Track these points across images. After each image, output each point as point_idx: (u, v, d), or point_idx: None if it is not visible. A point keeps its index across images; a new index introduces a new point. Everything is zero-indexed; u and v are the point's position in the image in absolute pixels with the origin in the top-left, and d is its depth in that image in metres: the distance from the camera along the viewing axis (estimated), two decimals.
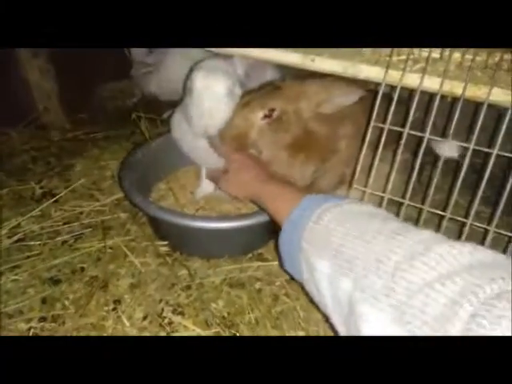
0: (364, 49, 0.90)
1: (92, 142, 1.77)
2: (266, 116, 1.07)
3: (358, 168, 0.89)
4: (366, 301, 0.55)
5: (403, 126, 0.84)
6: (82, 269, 1.16)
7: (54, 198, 1.41)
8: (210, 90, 1.07)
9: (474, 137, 0.77)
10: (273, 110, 1.07)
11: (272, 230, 1.27)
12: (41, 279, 1.12)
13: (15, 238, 1.24)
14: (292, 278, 0.80)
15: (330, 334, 1.01)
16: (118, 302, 1.08)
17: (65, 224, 1.31)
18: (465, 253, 0.52)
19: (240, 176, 1.03)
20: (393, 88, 0.86)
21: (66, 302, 1.06)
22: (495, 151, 0.74)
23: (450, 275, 0.49)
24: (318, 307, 0.72)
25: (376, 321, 0.53)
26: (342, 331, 0.63)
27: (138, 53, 1.87)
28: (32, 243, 1.23)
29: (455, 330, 0.45)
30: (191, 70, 1.15)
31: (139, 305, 1.07)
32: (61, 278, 1.13)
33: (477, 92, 0.77)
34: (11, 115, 1.69)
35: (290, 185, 0.90)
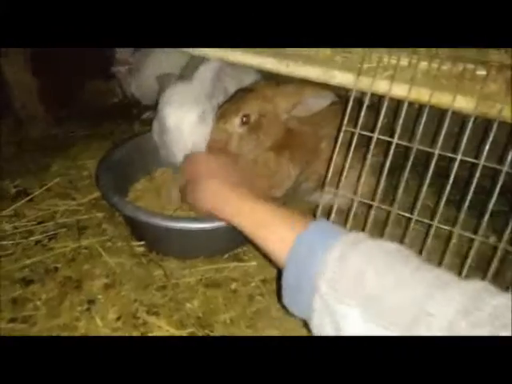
0: (337, 56, 0.93)
1: (70, 140, 1.75)
2: (243, 123, 1.09)
3: (331, 170, 0.91)
4: None
5: (374, 130, 0.87)
6: (56, 269, 1.15)
7: (29, 197, 1.39)
8: (183, 126, 1.13)
9: (439, 142, 0.80)
10: (247, 115, 1.08)
11: None
12: (12, 279, 1.11)
13: None
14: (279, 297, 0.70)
15: (306, 334, 1.03)
16: (91, 302, 1.07)
17: (39, 223, 1.30)
18: None
19: (203, 183, 0.90)
20: (364, 94, 0.89)
21: (38, 303, 1.05)
22: (459, 156, 0.78)
23: (506, 325, 0.46)
24: None
25: None
26: None
27: (121, 52, 1.86)
28: (4, 243, 1.21)
29: None
30: (162, 97, 1.19)
31: (113, 305, 1.07)
32: (33, 279, 1.12)
33: (442, 99, 0.80)
34: None
35: (266, 197, 0.79)
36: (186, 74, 1.36)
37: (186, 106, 1.14)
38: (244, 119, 1.08)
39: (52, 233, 1.26)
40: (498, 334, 0.46)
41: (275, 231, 0.68)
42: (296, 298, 0.64)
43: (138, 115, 1.80)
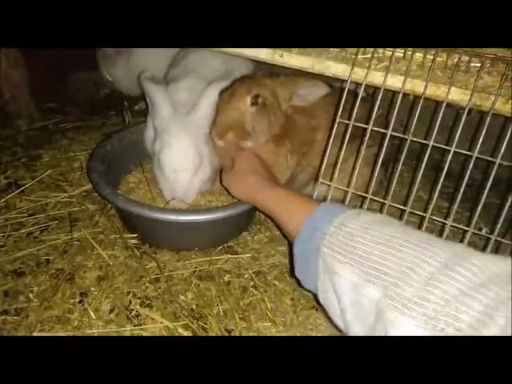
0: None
1: (61, 132, 1.73)
2: (253, 103, 1.08)
3: (325, 162, 0.91)
4: (395, 309, 0.55)
5: (368, 122, 0.86)
6: (48, 261, 1.14)
7: (20, 189, 1.37)
8: (180, 167, 1.17)
9: (434, 134, 0.80)
10: (257, 95, 1.08)
11: (243, 223, 1.29)
12: (3, 272, 1.10)
13: None
14: (299, 285, 0.80)
15: (297, 325, 1.03)
16: (84, 294, 1.06)
17: (30, 215, 1.28)
18: (500, 263, 0.53)
19: (246, 178, 1.01)
20: (358, 85, 0.89)
21: (30, 295, 1.04)
22: (452, 148, 0.78)
23: (484, 283, 0.50)
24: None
25: (407, 328, 0.53)
26: None
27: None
28: None
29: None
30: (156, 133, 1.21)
31: (106, 297, 1.06)
32: (25, 271, 1.11)
33: (436, 91, 0.80)
34: None
35: (296, 192, 0.90)
36: (174, 73, 1.36)
37: (185, 154, 1.17)
38: (254, 100, 1.07)
39: (43, 225, 1.25)
40: (476, 290, 0.50)
41: (293, 212, 0.79)
42: (305, 268, 0.73)
43: (130, 106, 1.77)
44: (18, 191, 1.36)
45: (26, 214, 1.29)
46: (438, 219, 0.87)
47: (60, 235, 1.22)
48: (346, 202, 0.89)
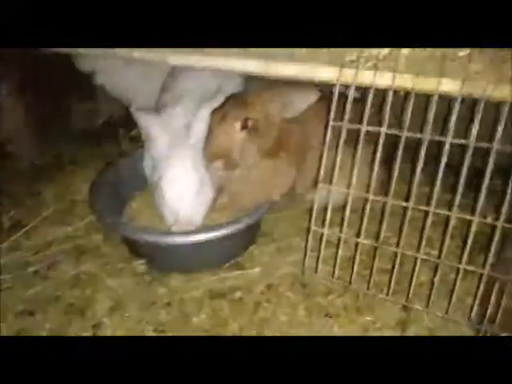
0: (318, 52, 0.92)
1: (60, 166, 1.73)
2: (243, 127, 1.09)
3: (323, 166, 0.90)
4: None
5: (360, 122, 0.86)
6: (57, 297, 1.13)
7: (24, 229, 1.37)
8: (182, 194, 1.17)
9: (429, 128, 0.79)
10: (247, 119, 1.09)
11: (249, 238, 1.28)
12: (14, 312, 1.09)
13: None
14: None
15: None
16: (97, 326, 1.05)
17: (36, 253, 1.28)
18: None
19: None
20: (347, 88, 0.88)
21: (43, 333, 1.03)
22: (448, 139, 0.77)
23: None
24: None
25: None
26: None
27: None
28: (2, 277, 1.19)
29: None
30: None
31: (119, 327, 1.05)
32: (35, 309, 1.10)
33: (426, 84, 0.80)
34: None
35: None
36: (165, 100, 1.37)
37: (186, 180, 1.17)
38: (244, 124, 1.08)
39: (50, 261, 1.25)
40: None
41: None
42: None
43: (126, 133, 1.78)
44: (22, 232, 1.36)
45: (31, 253, 1.28)
46: (444, 212, 0.85)
47: (68, 270, 1.22)
48: (348, 205, 0.88)
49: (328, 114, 1.01)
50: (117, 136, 1.76)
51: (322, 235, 1.05)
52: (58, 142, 1.84)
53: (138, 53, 1.04)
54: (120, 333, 1.03)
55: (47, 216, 1.44)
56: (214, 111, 1.15)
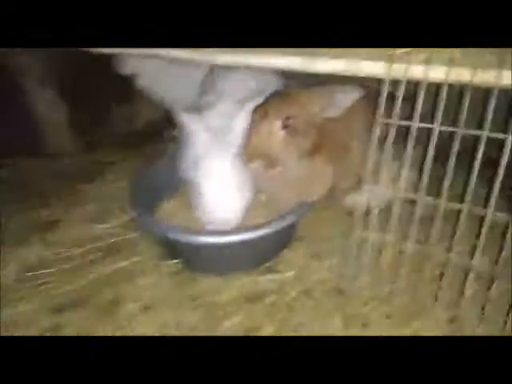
0: None
1: (101, 166, 1.76)
2: (284, 126, 1.06)
3: (369, 166, 0.86)
4: None
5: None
6: (90, 295, 1.13)
7: (63, 226, 1.39)
8: (222, 194, 1.15)
9: (488, 123, 0.73)
10: (288, 118, 1.06)
11: (285, 240, 1.25)
12: (48, 307, 1.09)
13: (25, 265, 1.23)
14: None
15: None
16: (128, 325, 1.04)
17: (74, 249, 1.29)
18: None
19: None
20: (395, 86, 0.84)
21: (73, 330, 1.03)
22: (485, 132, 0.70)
23: None
24: None
25: None
26: None
27: None
28: (40, 272, 1.20)
29: None
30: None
31: (150, 327, 1.03)
32: (68, 305, 1.10)
33: (486, 77, 0.74)
34: (21, 144, 1.70)
35: None
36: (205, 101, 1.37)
37: (227, 180, 1.15)
38: (285, 123, 1.06)
39: (87, 257, 1.25)
40: None
41: None
42: None
43: (168, 135, 1.79)
44: (61, 228, 1.38)
45: (69, 248, 1.29)
46: (501, 214, 0.78)
47: (104, 266, 1.22)
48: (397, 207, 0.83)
49: (370, 112, 0.97)
50: (155, 139, 1.77)
51: (363, 239, 0.99)
52: (98, 143, 1.88)
53: (186, 54, 1.04)
54: (151, 333, 1.01)
55: (85, 214, 1.45)
56: (255, 110, 1.13)
